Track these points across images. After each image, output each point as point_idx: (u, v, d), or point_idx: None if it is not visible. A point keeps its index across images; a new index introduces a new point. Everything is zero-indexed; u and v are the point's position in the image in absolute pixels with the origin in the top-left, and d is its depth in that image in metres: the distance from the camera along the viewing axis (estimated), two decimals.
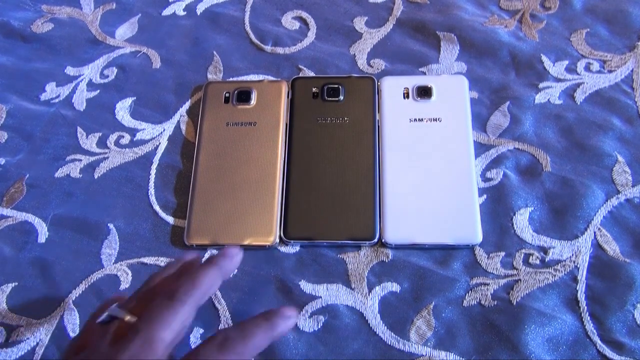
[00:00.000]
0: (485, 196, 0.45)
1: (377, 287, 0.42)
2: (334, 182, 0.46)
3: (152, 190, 0.48)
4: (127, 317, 0.31)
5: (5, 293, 0.44)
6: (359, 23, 0.55)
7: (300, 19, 0.56)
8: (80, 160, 0.49)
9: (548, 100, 0.49)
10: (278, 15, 0.56)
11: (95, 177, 0.48)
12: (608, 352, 0.39)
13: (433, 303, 0.42)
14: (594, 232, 0.43)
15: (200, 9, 0.57)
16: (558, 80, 0.50)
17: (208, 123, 0.49)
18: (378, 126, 0.48)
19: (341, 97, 0.49)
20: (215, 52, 0.54)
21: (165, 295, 0.31)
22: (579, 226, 0.44)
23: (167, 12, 0.57)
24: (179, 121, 0.51)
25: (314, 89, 0.50)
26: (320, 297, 0.42)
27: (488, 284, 0.42)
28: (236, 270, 0.44)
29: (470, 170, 0.45)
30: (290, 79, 0.51)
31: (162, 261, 0.45)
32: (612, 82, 0.50)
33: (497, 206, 0.45)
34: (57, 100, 0.53)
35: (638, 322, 0.40)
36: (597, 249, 0.43)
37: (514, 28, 0.53)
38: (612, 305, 0.41)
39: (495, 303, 0.41)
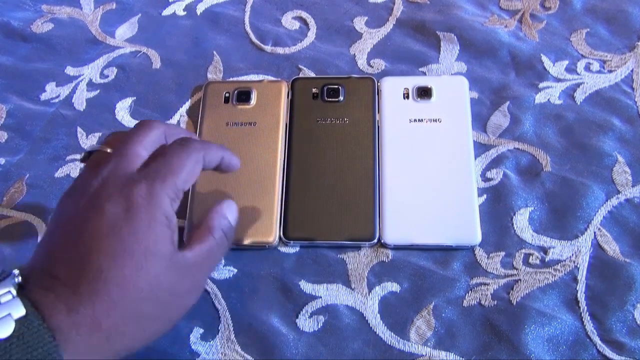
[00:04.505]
0: (485, 196, 0.45)
1: (377, 287, 0.42)
2: (333, 182, 0.46)
3: None
4: (104, 149, 0.33)
5: None
6: (359, 23, 0.55)
7: (300, 19, 0.56)
8: None
9: (548, 100, 0.49)
10: (278, 15, 0.56)
11: None
12: (608, 352, 0.39)
13: (433, 303, 0.42)
14: (594, 232, 0.43)
15: (200, 9, 0.57)
16: (558, 80, 0.50)
17: (208, 123, 0.49)
18: (378, 127, 0.48)
19: (341, 98, 0.49)
20: (215, 52, 0.54)
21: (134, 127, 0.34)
22: (579, 226, 0.44)
23: (167, 12, 0.57)
24: (179, 121, 0.51)
25: (313, 90, 0.50)
26: (320, 297, 0.42)
27: (488, 284, 0.42)
28: (235, 270, 0.44)
29: (470, 170, 0.45)
30: (290, 79, 0.51)
31: None
32: (612, 82, 0.50)
33: (497, 206, 0.45)
34: (57, 100, 0.53)
35: (638, 322, 0.40)
36: (597, 249, 0.43)
37: (514, 28, 0.53)
38: (612, 305, 0.41)
39: (495, 303, 0.41)
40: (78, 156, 0.49)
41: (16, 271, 0.28)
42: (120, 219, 0.29)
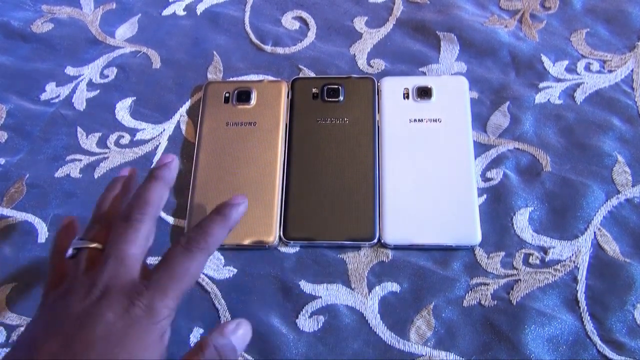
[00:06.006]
0: (485, 196, 0.45)
1: (377, 287, 0.42)
2: (333, 182, 0.46)
3: None
4: (94, 245, 0.34)
5: (5, 293, 0.44)
6: (359, 23, 0.55)
7: (300, 19, 0.56)
8: (80, 160, 0.49)
9: (548, 100, 0.49)
10: (278, 15, 0.56)
11: (95, 177, 0.48)
12: (608, 352, 0.39)
13: (433, 303, 0.42)
14: (594, 232, 0.43)
15: (200, 9, 0.57)
16: (558, 80, 0.50)
17: (208, 123, 0.49)
18: (378, 127, 0.48)
19: (341, 98, 0.49)
20: (215, 52, 0.54)
21: (122, 219, 0.34)
22: (579, 226, 0.44)
23: (167, 12, 0.57)
24: (179, 121, 0.51)
25: (313, 90, 0.50)
26: (320, 297, 0.42)
27: (488, 284, 0.42)
28: (235, 270, 0.44)
29: (470, 171, 0.45)
30: (290, 79, 0.51)
31: None
32: (612, 82, 0.50)
33: (497, 206, 0.45)
34: (57, 100, 0.53)
35: (638, 322, 0.40)
36: (597, 249, 0.43)
37: (514, 28, 0.53)
38: (612, 305, 0.41)
39: (495, 303, 0.41)
40: (78, 156, 0.50)
41: None
42: (117, 327, 0.30)
